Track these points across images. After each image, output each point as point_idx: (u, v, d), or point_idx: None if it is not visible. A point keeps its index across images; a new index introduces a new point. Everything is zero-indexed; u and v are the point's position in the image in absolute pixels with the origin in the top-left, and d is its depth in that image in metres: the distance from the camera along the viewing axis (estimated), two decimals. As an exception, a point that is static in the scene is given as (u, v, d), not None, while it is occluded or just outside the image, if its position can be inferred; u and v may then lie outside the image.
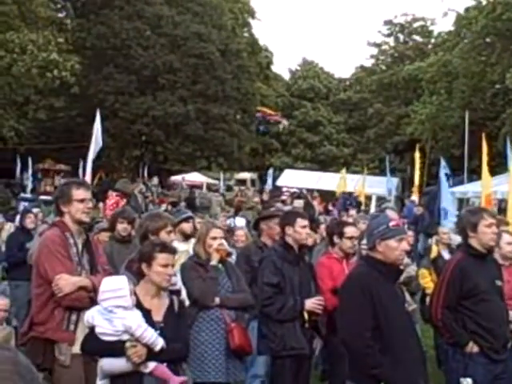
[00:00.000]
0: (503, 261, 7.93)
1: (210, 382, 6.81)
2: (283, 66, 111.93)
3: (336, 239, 8.21)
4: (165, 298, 5.60)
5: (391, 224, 5.52)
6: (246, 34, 59.60)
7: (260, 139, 60.07)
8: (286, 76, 72.97)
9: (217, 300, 6.92)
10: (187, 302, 6.49)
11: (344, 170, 38.06)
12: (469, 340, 6.33)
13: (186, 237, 8.56)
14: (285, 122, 57.83)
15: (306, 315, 7.16)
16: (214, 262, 7.12)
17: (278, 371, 7.12)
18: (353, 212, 18.97)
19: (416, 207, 26.48)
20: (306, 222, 7.45)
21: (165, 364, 5.29)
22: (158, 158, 50.45)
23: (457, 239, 11.59)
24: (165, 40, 45.88)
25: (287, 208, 16.45)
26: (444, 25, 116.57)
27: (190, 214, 9.53)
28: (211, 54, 46.56)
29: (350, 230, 8.24)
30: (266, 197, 29.40)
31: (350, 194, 33.50)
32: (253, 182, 50.29)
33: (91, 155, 15.79)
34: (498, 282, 6.58)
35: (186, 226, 8.76)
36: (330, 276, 7.84)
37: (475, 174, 29.72)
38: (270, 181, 40.86)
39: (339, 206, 29.41)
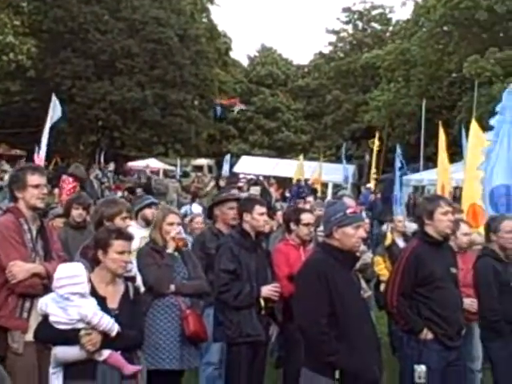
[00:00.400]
0: (458, 249, 8.01)
1: (164, 369, 6.78)
2: (242, 53, 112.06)
3: (293, 226, 8.22)
4: (120, 284, 5.57)
5: (348, 211, 5.54)
6: (204, 20, 59.24)
7: (217, 126, 59.94)
8: (245, 62, 72.95)
9: (172, 287, 6.87)
10: (142, 289, 6.44)
11: (301, 157, 38.15)
12: (423, 327, 6.37)
13: (148, 223, 8.48)
14: (242, 107, 57.76)
15: (262, 302, 7.15)
16: (169, 250, 7.07)
17: (234, 358, 7.10)
18: (310, 199, 18.98)
19: (372, 194, 26.69)
20: (264, 209, 7.43)
21: (119, 352, 5.26)
22: (115, 144, 50.10)
23: (412, 226, 11.71)
24: (123, 24, 45.56)
25: (244, 195, 16.43)
26: (402, 13, 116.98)
27: (152, 199, 9.45)
28: (170, 39, 46.36)
29: (306, 217, 8.25)
30: (222, 183, 29.34)
31: (306, 181, 33.60)
32: (210, 168, 50.12)
33: (47, 126, 15.70)
34: (453, 270, 6.63)
35: (149, 212, 8.68)
36: (286, 263, 7.84)
37: (431, 162, 29.96)
38: (226, 167, 40.77)
39: (293, 194, 29.51)
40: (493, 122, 11.14)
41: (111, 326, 5.18)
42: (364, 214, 16.73)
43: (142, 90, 45.50)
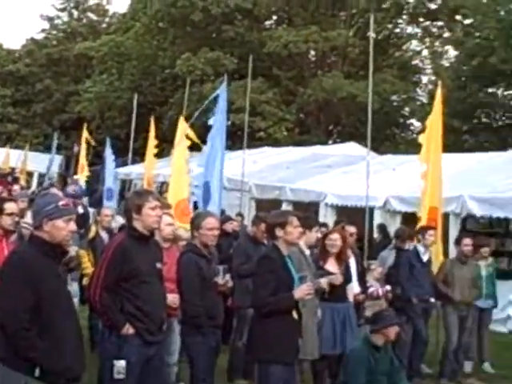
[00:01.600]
0: (164, 243, 8.16)
1: None
2: None
3: (-4, 216, 7.91)
4: None
5: (61, 203, 5.40)
6: None
7: None
8: (-52, 42, 68.76)
9: None
10: None
11: (8, 146, 37.16)
12: (125, 322, 6.35)
13: None
14: None
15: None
16: None
17: None
18: (16, 188, 18.51)
19: (78, 186, 26.55)
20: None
21: None
22: None
23: (120, 220, 11.77)
24: None
25: None
26: (120, 5, 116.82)
27: None
28: None
29: (10, 206, 7.94)
30: None
31: (13, 169, 32.82)
32: None
33: None
34: (159, 265, 6.68)
35: None
36: (-14, 255, 7.53)
37: (139, 156, 30.27)
38: None
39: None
40: (210, 122, 11.69)
41: None
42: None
43: None
